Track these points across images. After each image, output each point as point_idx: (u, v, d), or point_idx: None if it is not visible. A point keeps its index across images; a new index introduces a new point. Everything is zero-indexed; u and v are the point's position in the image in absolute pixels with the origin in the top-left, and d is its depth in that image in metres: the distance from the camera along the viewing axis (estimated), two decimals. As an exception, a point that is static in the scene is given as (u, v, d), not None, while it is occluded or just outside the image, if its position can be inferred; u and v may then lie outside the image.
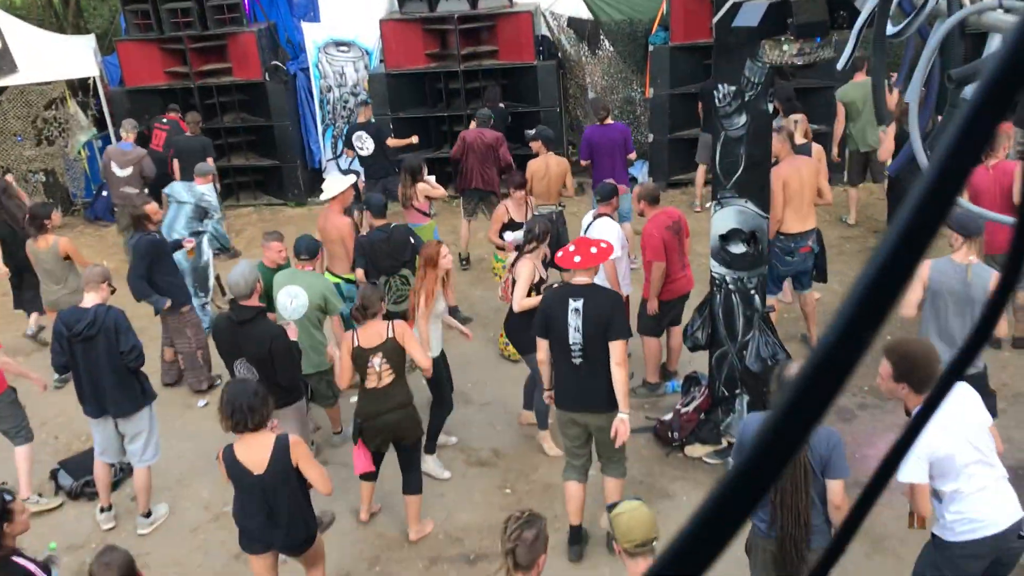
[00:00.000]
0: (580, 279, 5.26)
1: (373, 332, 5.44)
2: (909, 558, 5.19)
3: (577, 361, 5.16)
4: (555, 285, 5.97)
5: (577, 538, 5.53)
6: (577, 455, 5.45)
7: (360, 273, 7.00)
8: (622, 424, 5.13)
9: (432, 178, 8.44)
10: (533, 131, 9.36)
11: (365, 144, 10.17)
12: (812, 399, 0.41)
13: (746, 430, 4.20)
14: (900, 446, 0.46)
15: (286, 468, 4.49)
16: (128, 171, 10.02)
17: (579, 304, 5.10)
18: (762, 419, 0.45)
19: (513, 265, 6.40)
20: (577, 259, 5.30)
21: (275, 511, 4.59)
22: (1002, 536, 3.96)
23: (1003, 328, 6.18)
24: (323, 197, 7.75)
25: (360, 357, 5.43)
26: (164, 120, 11.13)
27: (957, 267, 5.07)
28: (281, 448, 4.48)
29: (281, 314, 6.30)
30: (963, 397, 3.97)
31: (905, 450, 0.47)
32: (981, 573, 4.07)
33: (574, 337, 5.13)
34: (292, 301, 6.30)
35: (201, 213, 8.36)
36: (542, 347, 5.36)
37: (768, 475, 0.43)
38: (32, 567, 4.07)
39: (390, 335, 5.43)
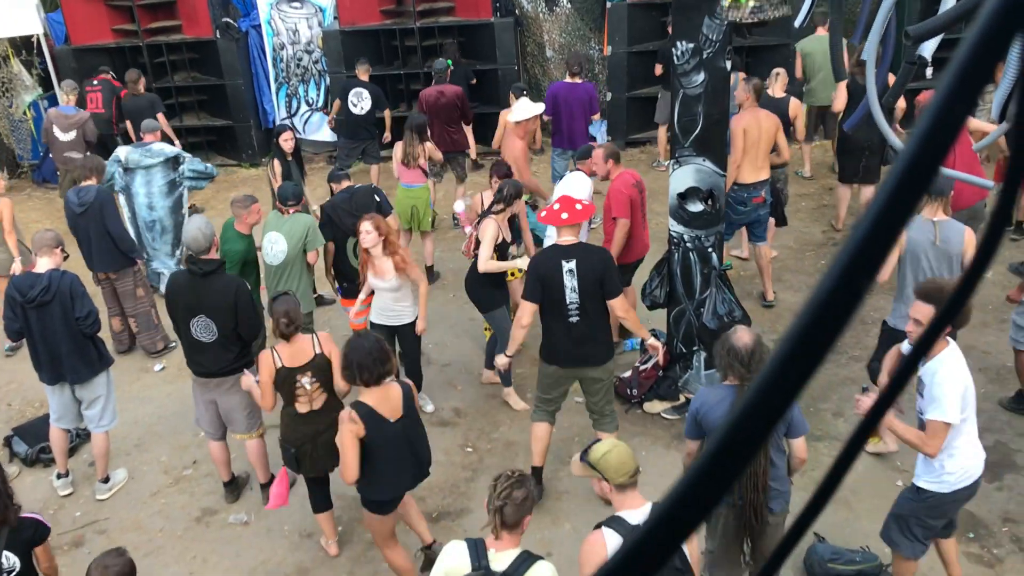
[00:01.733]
0: (567, 239, 5.29)
1: (297, 349, 5.01)
2: (860, 508, 5.34)
3: (574, 319, 5.24)
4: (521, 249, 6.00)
5: (539, 478, 5.62)
6: (552, 401, 5.56)
7: (330, 246, 6.79)
8: (653, 344, 5.65)
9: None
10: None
11: (363, 102, 10.00)
12: (790, 378, 0.41)
13: (704, 404, 4.23)
14: (895, 386, 0.47)
15: (413, 409, 4.61)
16: (71, 135, 9.77)
17: (572, 265, 5.18)
18: (737, 401, 0.45)
19: (478, 224, 6.38)
20: (565, 215, 5.31)
21: (417, 450, 4.65)
22: (980, 478, 4.31)
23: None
24: (511, 118, 7.77)
25: (287, 378, 4.99)
26: (95, 82, 10.85)
27: (926, 224, 5.20)
28: (408, 393, 4.57)
29: (265, 258, 6.53)
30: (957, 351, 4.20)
31: (898, 392, 0.47)
32: None
33: (571, 297, 5.20)
34: (272, 247, 6.48)
35: (173, 163, 8.20)
36: (528, 311, 5.29)
37: (739, 462, 0.43)
38: None
39: (317, 350, 5.04)
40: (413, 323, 6.13)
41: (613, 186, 6.65)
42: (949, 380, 4.06)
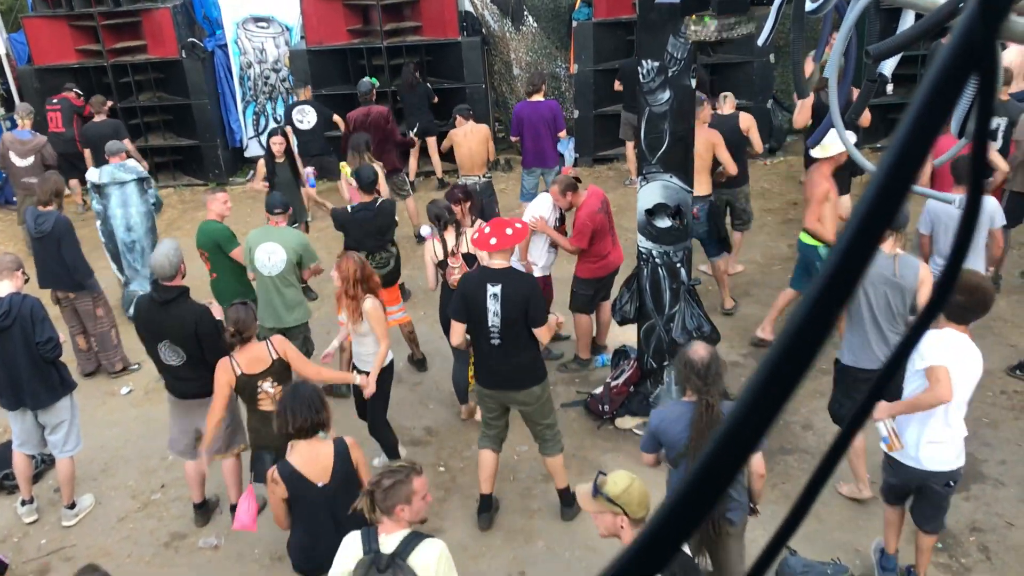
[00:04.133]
0: (497, 262, 5.24)
1: (254, 357, 5.02)
2: (830, 520, 5.38)
3: (495, 342, 5.23)
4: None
5: (487, 506, 5.64)
6: (493, 425, 5.55)
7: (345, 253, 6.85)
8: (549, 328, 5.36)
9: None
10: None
11: (307, 118, 10.02)
12: (769, 399, 0.42)
13: (664, 421, 4.26)
14: (876, 388, 0.48)
15: (346, 473, 4.26)
16: (29, 160, 9.65)
17: (497, 289, 5.14)
18: (729, 411, 0.46)
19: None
20: (493, 241, 5.27)
21: (341, 522, 4.11)
22: (929, 475, 4.56)
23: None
24: (816, 153, 6.72)
25: (247, 385, 5.04)
26: (54, 100, 10.74)
27: (885, 259, 5.14)
28: (342, 453, 4.26)
29: (260, 271, 6.42)
30: (968, 350, 4.39)
31: (875, 399, 0.49)
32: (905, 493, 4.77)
33: (492, 320, 5.18)
34: (270, 258, 6.40)
35: (144, 184, 8.15)
36: (458, 331, 5.37)
37: (718, 486, 0.44)
38: None
39: (274, 356, 5.05)
40: (384, 370, 5.85)
41: (578, 216, 6.69)
42: (935, 341, 4.30)
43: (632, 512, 3.51)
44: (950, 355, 4.29)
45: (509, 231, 5.33)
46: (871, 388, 0.47)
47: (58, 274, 7.20)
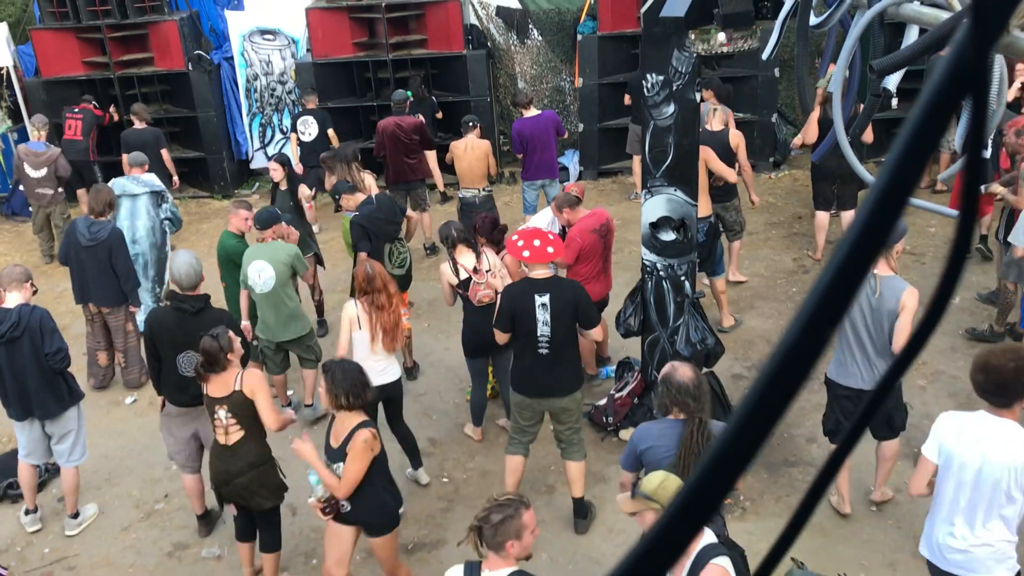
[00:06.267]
0: (539, 272, 5.35)
1: (221, 381, 4.97)
2: (836, 534, 5.37)
3: (544, 352, 5.31)
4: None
5: None
6: (528, 432, 5.60)
7: (364, 257, 6.80)
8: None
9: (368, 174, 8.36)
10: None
11: (309, 129, 10.13)
12: (776, 399, 0.43)
13: (647, 438, 4.24)
14: (849, 440, 0.49)
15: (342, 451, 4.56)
16: (42, 172, 9.72)
17: (545, 299, 5.25)
18: (721, 427, 0.47)
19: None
20: (526, 253, 5.36)
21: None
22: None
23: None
24: None
25: (208, 407, 5.04)
26: (75, 109, 10.81)
27: (868, 277, 5.06)
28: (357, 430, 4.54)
29: (252, 289, 6.47)
30: (1003, 439, 3.82)
31: (850, 447, 0.49)
32: None
33: (542, 330, 5.27)
34: (260, 275, 6.44)
35: (158, 199, 8.16)
36: (501, 339, 5.53)
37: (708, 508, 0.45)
38: None
39: (237, 387, 4.93)
40: (398, 381, 5.92)
41: (570, 232, 6.71)
42: (946, 423, 3.96)
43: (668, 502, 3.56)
44: (958, 444, 3.84)
45: (537, 242, 5.38)
46: (857, 417, 0.49)
47: (100, 285, 7.22)
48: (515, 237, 5.55)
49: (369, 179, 8.21)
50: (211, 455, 5.14)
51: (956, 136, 2.75)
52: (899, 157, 0.36)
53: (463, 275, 6.19)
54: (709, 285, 7.96)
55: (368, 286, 5.65)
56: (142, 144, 9.68)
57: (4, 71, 11.68)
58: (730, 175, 7.52)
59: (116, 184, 8.10)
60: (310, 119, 10.16)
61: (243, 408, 4.92)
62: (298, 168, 9.98)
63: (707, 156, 7.30)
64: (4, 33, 11.87)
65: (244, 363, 5.21)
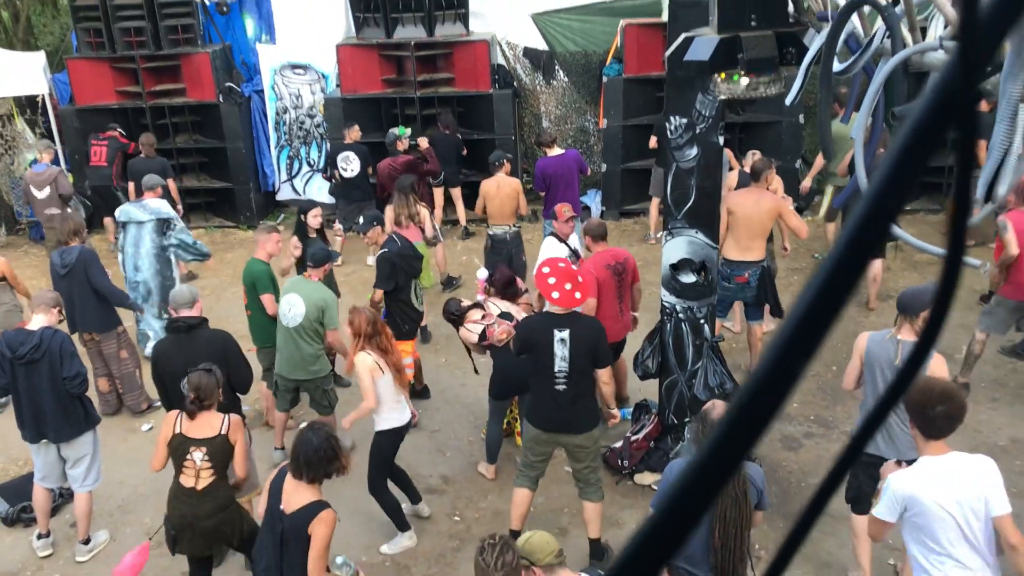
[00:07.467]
0: (559, 307, 5.32)
1: (204, 422, 4.85)
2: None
3: (561, 387, 5.28)
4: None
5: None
6: (536, 467, 5.57)
7: (379, 295, 6.90)
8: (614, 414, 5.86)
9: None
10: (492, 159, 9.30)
11: (351, 165, 10.13)
12: (747, 428, 0.42)
13: (669, 475, 4.24)
14: (829, 482, 0.48)
15: (304, 528, 4.25)
16: (45, 192, 9.92)
17: (565, 334, 5.22)
18: (694, 454, 0.46)
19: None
20: (555, 295, 5.32)
21: (282, 563, 4.28)
22: None
23: None
24: None
25: (181, 446, 4.83)
26: (101, 136, 11.01)
27: (890, 342, 5.00)
28: (313, 511, 4.25)
29: (281, 320, 6.40)
30: (973, 467, 3.84)
31: (835, 486, 0.48)
32: None
33: (560, 365, 5.24)
34: (291, 309, 6.37)
35: (163, 226, 8.18)
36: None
37: (695, 514, 0.44)
38: None
39: (223, 431, 4.83)
40: (383, 432, 5.74)
41: (584, 264, 6.70)
42: (895, 483, 3.87)
43: (537, 559, 3.70)
44: (926, 492, 3.77)
45: (579, 295, 5.36)
46: (850, 442, 0.47)
47: (86, 311, 7.26)
48: (546, 270, 5.48)
49: (424, 213, 8.25)
50: (172, 498, 4.92)
51: (980, 184, 2.73)
52: (883, 183, 0.35)
53: (478, 329, 6.22)
54: (738, 325, 7.92)
55: (372, 329, 5.64)
56: (148, 172, 9.78)
57: (40, 98, 11.92)
58: (804, 232, 7.32)
59: (122, 211, 8.20)
60: (351, 155, 10.16)
61: (223, 454, 4.85)
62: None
63: (783, 210, 7.23)
64: (42, 62, 12.14)
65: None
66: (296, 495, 4.28)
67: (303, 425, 7.06)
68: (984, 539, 3.76)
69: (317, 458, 4.22)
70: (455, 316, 6.39)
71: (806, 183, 9.95)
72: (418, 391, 7.43)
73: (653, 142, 10.53)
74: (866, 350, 5.08)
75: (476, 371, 6.89)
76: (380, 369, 5.59)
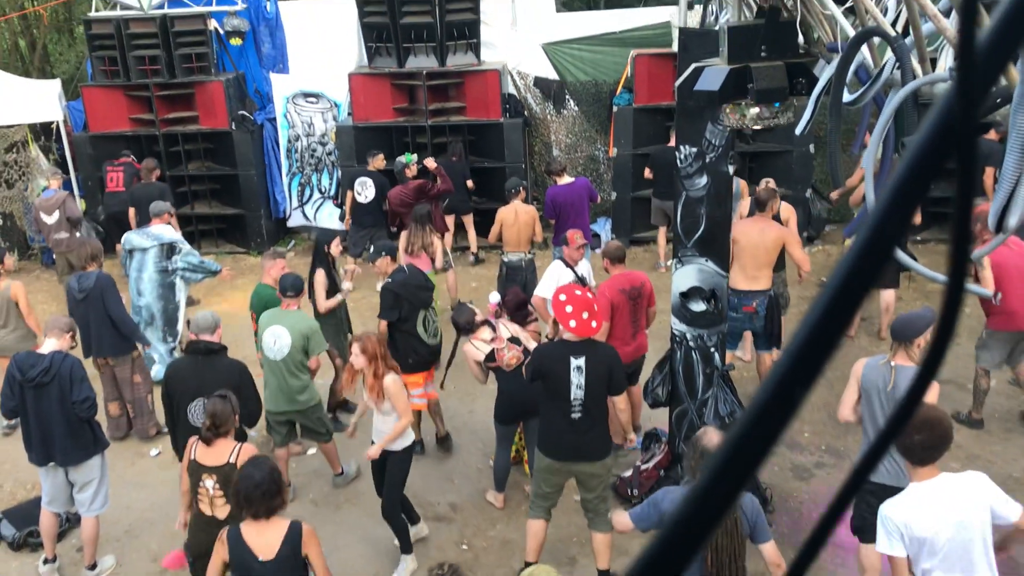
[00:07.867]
0: (574, 335, 5.29)
1: (217, 450, 4.82)
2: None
3: (576, 416, 5.26)
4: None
5: None
6: (549, 497, 5.53)
7: (383, 326, 6.84)
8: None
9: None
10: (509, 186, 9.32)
11: (367, 191, 10.17)
12: (745, 457, 0.42)
13: (664, 501, 4.20)
14: (832, 512, 0.48)
15: (296, 557, 4.17)
16: (54, 216, 10.01)
17: (581, 362, 5.20)
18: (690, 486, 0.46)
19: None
20: (572, 324, 5.27)
21: None
22: None
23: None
24: None
25: (195, 473, 4.83)
26: (116, 163, 11.11)
27: (884, 368, 4.99)
28: (295, 535, 4.17)
29: (266, 354, 6.32)
30: (966, 485, 3.84)
31: (836, 518, 0.48)
32: None
33: (576, 393, 5.22)
34: (276, 341, 6.29)
35: (168, 251, 8.22)
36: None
37: (693, 544, 0.44)
38: None
39: (232, 459, 4.76)
40: (402, 452, 5.73)
41: (600, 287, 6.73)
42: (889, 513, 3.84)
43: None
44: (923, 523, 3.75)
45: (586, 315, 5.30)
46: (852, 473, 0.47)
47: (102, 336, 7.29)
48: (563, 297, 5.40)
49: (438, 243, 8.28)
50: (193, 526, 4.91)
51: (990, 214, 2.72)
52: (883, 211, 0.35)
53: (486, 349, 6.18)
54: (749, 355, 7.89)
55: (384, 348, 5.63)
56: (148, 199, 9.78)
57: (55, 125, 12.05)
58: (806, 265, 7.34)
59: (126, 239, 8.27)
60: (368, 180, 10.19)
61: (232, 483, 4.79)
62: (345, 224, 10.14)
63: (788, 240, 7.23)
64: (57, 89, 12.28)
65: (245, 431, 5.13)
66: (263, 537, 4.14)
67: (311, 451, 7.09)
68: (987, 558, 3.75)
69: (259, 493, 4.09)
70: (465, 328, 6.36)
71: (835, 194, 10.02)
72: (440, 438, 7.28)
73: (647, 173, 10.57)
74: (862, 375, 5.08)
75: (442, 386, 6.97)
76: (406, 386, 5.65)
